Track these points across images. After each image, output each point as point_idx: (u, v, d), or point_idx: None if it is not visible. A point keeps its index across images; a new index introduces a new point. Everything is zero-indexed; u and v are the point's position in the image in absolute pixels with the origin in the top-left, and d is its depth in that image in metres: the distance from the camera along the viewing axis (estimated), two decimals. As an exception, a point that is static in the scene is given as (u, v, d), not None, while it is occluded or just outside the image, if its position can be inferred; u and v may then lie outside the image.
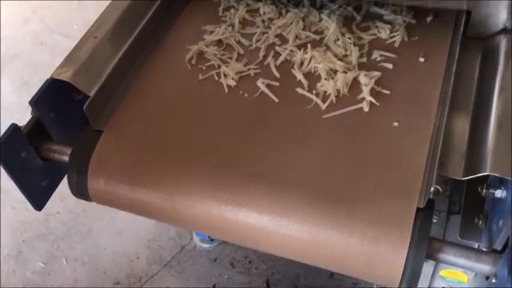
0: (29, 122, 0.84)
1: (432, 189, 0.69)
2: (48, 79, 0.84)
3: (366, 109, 0.82)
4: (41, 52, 2.07)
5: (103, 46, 0.89)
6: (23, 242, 1.57)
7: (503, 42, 0.87)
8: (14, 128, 0.80)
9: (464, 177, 0.72)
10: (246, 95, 0.87)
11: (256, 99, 0.86)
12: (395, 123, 0.80)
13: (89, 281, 1.48)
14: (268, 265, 1.46)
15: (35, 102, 0.82)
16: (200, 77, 0.90)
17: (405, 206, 0.70)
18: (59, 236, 1.58)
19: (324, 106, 0.84)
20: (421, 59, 0.89)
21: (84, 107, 0.82)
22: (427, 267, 0.92)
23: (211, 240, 1.50)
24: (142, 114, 0.85)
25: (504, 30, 0.89)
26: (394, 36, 0.93)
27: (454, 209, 0.88)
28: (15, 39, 2.14)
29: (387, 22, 0.96)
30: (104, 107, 0.86)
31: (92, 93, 0.84)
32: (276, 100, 0.85)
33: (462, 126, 0.79)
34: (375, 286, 1.13)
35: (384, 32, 0.94)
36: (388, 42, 0.93)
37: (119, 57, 0.90)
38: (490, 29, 0.91)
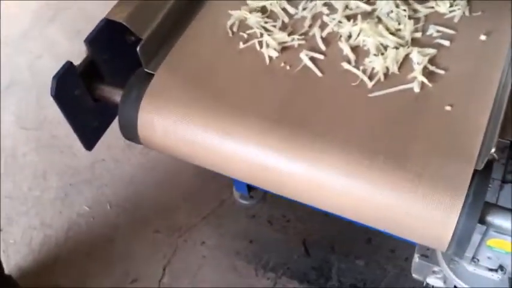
0: (83, 61, 0.85)
1: (493, 150, 0.66)
2: (102, 19, 0.84)
3: (417, 90, 0.77)
4: (93, 4, 2.09)
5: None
6: (70, 185, 1.64)
7: None
8: (68, 65, 0.82)
9: (525, 142, 0.69)
10: (288, 67, 0.83)
11: (298, 73, 0.82)
12: (448, 108, 0.75)
13: (130, 227, 1.53)
14: (305, 225, 1.47)
15: (89, 41, 0.83)
16: (241, 45, 0.87)
17: (461, 166, 0.68)
18: (104, 183, 1.63)
19: (370, 84, 0.79)
20: (483, 37, 0.82)
21: (138, 49, 0.82)
22: (475, 235, 0.89)
23: (251, 197, 1.51)
24: (190, 65, 0.85)
25: None
26: (454, 11, 0.87)
27: (509, 177, 0.85)
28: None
29: None
30: (157, 51, 0.86)
31: (144, 36, 0.83)
32: (320, 75, 0.82)
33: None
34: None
35: (443, 5, 0.87)
36: (447, 16, 0.87)
37: (171, 2, 0.89)
38: None
